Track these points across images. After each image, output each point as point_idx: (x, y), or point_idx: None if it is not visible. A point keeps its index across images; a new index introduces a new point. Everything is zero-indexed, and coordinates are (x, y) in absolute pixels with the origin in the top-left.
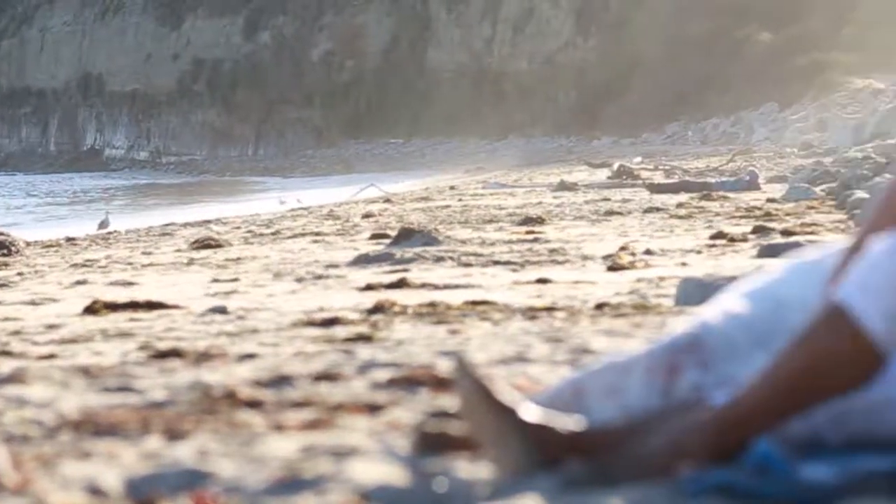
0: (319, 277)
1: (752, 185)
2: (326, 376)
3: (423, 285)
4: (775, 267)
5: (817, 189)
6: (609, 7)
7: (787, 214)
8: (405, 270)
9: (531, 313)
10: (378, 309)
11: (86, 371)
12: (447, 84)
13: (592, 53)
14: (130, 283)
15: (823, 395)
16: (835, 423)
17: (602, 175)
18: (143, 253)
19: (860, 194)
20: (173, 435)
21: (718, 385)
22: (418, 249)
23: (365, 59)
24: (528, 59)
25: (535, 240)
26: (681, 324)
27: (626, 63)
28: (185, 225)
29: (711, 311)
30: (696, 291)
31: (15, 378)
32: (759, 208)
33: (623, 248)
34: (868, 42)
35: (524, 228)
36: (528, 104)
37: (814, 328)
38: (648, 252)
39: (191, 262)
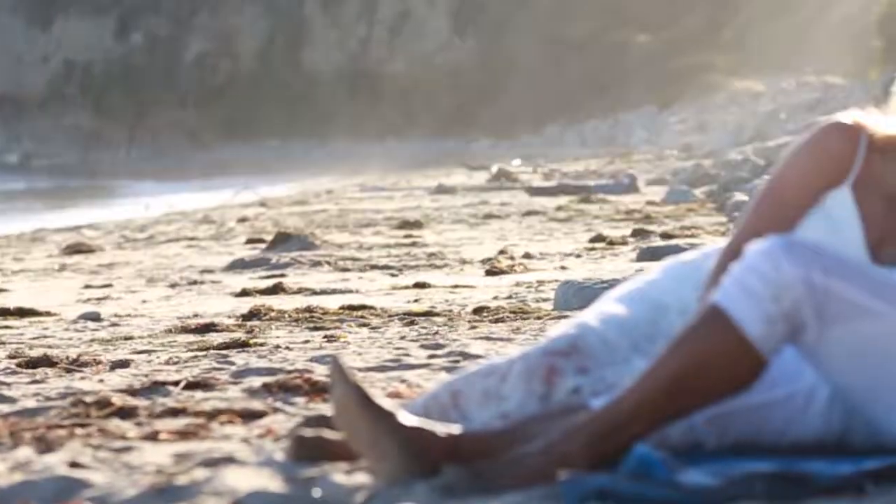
0: (194, 283)
1: (632, 188)
2: (201, 383)
3: (300, 290)
4: (654, 270)
5: (697, 191)
6: (486, 8)
7: (667, 217)
8: (281, 275)
9: (409, 318)
10: (254, 314)
11: None
12: (323, 86)
13: (470, 55)
14: (1, 290)
15: (703, 398)
16: (715, 427)
17: (481, 178)
18: (14, 259)
19: (740, 196)
20: (45, 444)
21: (598, 389)
22: (295, 254)
23: (239, 60)
24: (405, 61)
25: (414, 244)
26: (559, 328)
27: (503, 65)
28: (57, 230)
29: (590, 315)
30: (576, 295)
31: None
32: (639, 211)
33: (502, 252)
34: (747, 44)
35: (402, 232)
36: (405, 106)
37: (692, 331)
38: (527, 256)
39: (63, 267)
